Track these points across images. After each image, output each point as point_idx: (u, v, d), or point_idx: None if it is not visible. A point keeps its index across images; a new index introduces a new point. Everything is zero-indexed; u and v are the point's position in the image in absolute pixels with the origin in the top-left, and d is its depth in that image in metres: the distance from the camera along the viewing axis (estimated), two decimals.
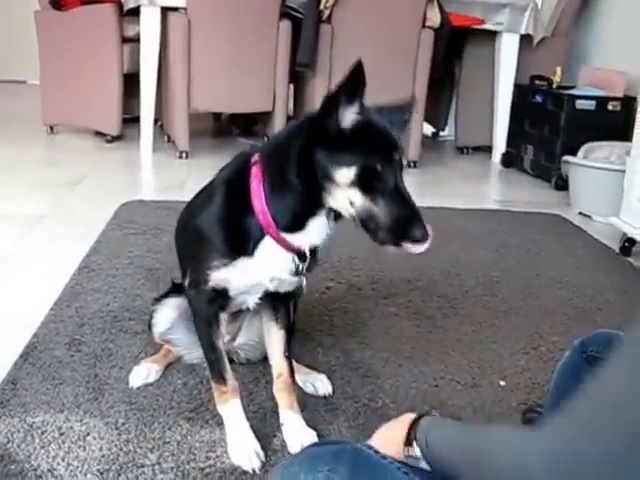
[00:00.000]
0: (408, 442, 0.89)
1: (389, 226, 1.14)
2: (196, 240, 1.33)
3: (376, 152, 1.14)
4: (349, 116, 1.12)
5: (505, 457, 0.69)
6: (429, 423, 0.90)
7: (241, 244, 1.25)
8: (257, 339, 1.55)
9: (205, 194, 1.37)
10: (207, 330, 1.35)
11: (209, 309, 1.33)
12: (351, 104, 1.12)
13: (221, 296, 1.31)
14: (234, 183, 1.28)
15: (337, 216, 1.23)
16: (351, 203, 1.15)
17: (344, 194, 1.15)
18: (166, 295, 1.59)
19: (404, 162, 1.20)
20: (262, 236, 1.23)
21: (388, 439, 0.95)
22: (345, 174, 1.13)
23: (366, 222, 1.16)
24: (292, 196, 1.19)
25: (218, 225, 1.26)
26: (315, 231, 1.23)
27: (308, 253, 1.26)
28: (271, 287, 1.31)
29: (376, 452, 0.83)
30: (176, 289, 1.54)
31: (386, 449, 0.93)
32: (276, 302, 1.39)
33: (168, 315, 1.54)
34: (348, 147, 1.13)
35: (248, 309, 1.42)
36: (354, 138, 1.13)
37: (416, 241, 1.14)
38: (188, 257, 1.42)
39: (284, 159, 1.20)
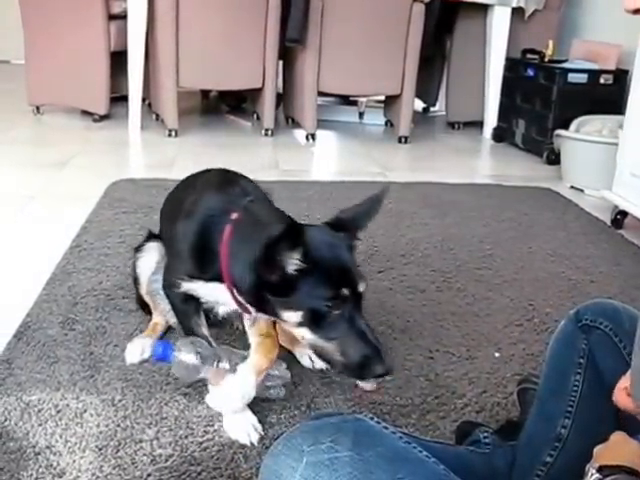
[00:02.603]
0: None
1: (345, 365, 1.12)
2: (172, 245, 1.36)
3: (322, 294, 1.10)
4: (292, 262, 1.09)
5: None
6: None
7: (205, 274, 1.26)
8: None
9: (189, 205, 1.32)
10: (188, 322, 1.37)
11: (186, 305, 1.35)
12: (292, 251, 1.08)
13: (194, 299, 1.33)
14: (209, 228, 1.24)
15: None
16: (302, 337, 1.15)
17: (295, 330, 1.15)
18: (146, 241, 1.61)
19: (361, 285, 1.13)
20: (222, 282, 1.23)
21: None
22: (292, 317, 1.12)
23: (320, 356, 1.16)
24: (251, 293, 1.18)
25: (188, 249, 1.27)
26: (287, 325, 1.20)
27: (253, 317, 1.28)
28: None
29: (378, 422, 0.83)
30: (154, 237, 1.58)
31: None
32: None
33: (151, 259, 1.56)
34: (294, 291, 1.10)
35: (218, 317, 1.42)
36: (299, 282, 1.09)
37: (378, 376, 1.13)
38: (167, 250, 1.47)
39: (246, 269, 1.16)
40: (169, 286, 1.36)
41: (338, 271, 1.12)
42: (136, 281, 1.61)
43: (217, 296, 1.28)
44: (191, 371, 1.31)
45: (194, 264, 1.27)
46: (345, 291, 1.10)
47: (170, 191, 1.57)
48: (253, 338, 1.37)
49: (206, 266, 1.24)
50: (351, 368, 1.12)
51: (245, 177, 1.41)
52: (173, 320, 1.55)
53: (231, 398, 1.30)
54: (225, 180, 1.37)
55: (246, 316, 1.36)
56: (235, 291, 1.21)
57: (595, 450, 0.82)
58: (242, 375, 1.30)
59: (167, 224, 1.48)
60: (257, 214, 1.22)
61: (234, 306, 1.27)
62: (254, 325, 1.36)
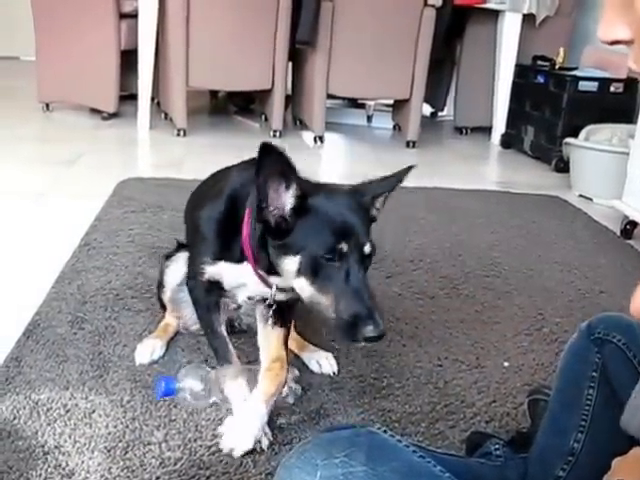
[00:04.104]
0: None
1: (337, 322, 1.07)
2: (196, 232, 1.35)
3: (321, 241, 1.07)
4: (287, 203, 1.07)
5: None
6: None
7: (229, 253, 1.27)
8: None
9: (213, 192, 1.35)
10: (209, 318, 1.36)
11: (208, 298, 1.35)
12: (285, 190, 1.06)
13: (217, 287, 1.33)
14: (234, 206, 1.25)
15: None
16: (301, 290, 1.12)
17: (295, 282, 1.12)
18: (176, 250, 1.60)
19: (366, 246, 1.10)
20: (244, 260, 1.25)
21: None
22: (290, 263, 1.10)
23: (316, 312, 1.11)
24: (266, 256, 1.18)
25: (213, 230, 1.28)
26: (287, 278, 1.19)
27: (274, 290, 1.25)
28: (256, 295, 1.33)
29: (392, 435, 0.82)
30: (184, 246, 1.57)
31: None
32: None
33: (179, 269, 1.54)
34: (292, 235, 1.08)
35: (239, 306, 1.44)
36: (299, 225, 1.08)
37: (367, 340, 1.06)
38: (190, 244, 1.46)
39: (255, 230, 1.18)
40: (193, 276, 1.35)
41: (339, 223, 1.09)
42: (160, 287, 1.60)
43: (241, 278, 1.28)
44: (199, 398, 1.33)
45: (219, 244, 1.27)
46: (345, 245, 1.07)
47: (193, 191, 1.57)
48: (263, 361, 1.35)
49: (231, 245, 1.25)
50: (342, 327, 1.07)
51: None
52: (195, 327, 1.55)
53: (247, 432, 1.26)
54: (248, 163, 1.36)
55: (261, 316, 1.35)
56: (256, 265, 1.22)
57: (614, 463, 0.81)
58: (253, 406, 1.28)
59: (190, 218, 1.48)
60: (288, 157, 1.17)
61: (256, 287, 1.27)
62: (267, 337, 1.36)
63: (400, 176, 1.21)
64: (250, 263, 1.24)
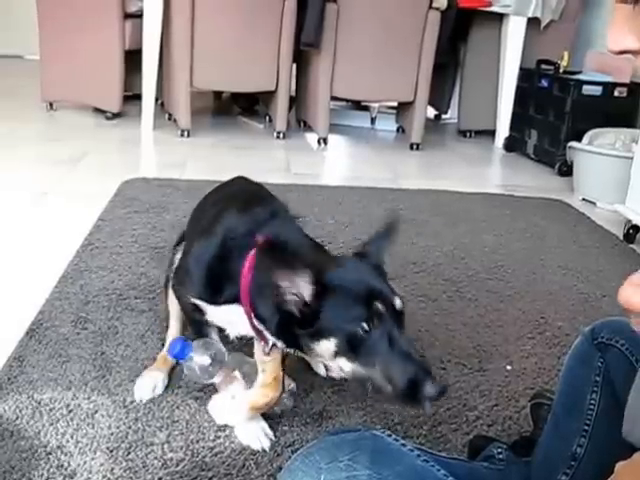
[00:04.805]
0: None
1: (394, 392, 1.00)
2: (185, 262, 1.28)
3: (354, 314, 1.00)
4: (305, 288, 1.01)
5: None
6: None
7: (215, 297, 1.19)
8: None
9: (210, 223, 1.25)
10: (197, 325, 1.33)
11: (195, 312, 1.29)
12: (298, 277, 1.00)
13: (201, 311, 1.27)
14: (228, 250, 1.16)
15: None
16: (341, 369, 1.04)
17: (332, 363, 1.05)
18: (177, 245, 1.52)
19: (397, 302, 1.04)
20: (237, 301, 1.15)
21: None
22: (326, 346, 1.02)
23: (364, 384, 1.04)
24: (280, 332, 1.11)
25: (201, 270, 1.20)
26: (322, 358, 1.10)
27: (270, 345, 1.19)
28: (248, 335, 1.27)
29: (396, 439, 0.82)
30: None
31: None
32: None
33: None
34: (321, 319, 1.01)
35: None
36: (325, 307, 1.00)
37: (431, 398, 0.99)
38: (184, 252, 1.38)
39: (268, 304, 1.08)
40: (178, 293, 1.31)
41: (365, 289, 1.03)
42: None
43: (230, 319, 1.22)
44: (203, 374, 1.30)
45: (206, 289, 1.19)
46: (379, 306, 1.01)
47: (201, 199, 1.50)
48: (257, 381, 1.30)
49: (221, 291, 1.17)
50: (401, 395, 1.00)
51: (271, 194, 1.33)
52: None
53: (219, 416, 1.30)
54: (249, 198, 1.29)
55: (259, 345, 1.28)
56: (254, 317, 1.14)
57: (617, 467, 0.81)
58: (237, 404, 1.27)
59: (189, 236, 1.41)
60: (284, 241, 1.11)
61: (246, 330, 1.21)
62: (266, 360, 1.28)
63: (392, 226, 1.17)
64: (246, 315, 1.15)
